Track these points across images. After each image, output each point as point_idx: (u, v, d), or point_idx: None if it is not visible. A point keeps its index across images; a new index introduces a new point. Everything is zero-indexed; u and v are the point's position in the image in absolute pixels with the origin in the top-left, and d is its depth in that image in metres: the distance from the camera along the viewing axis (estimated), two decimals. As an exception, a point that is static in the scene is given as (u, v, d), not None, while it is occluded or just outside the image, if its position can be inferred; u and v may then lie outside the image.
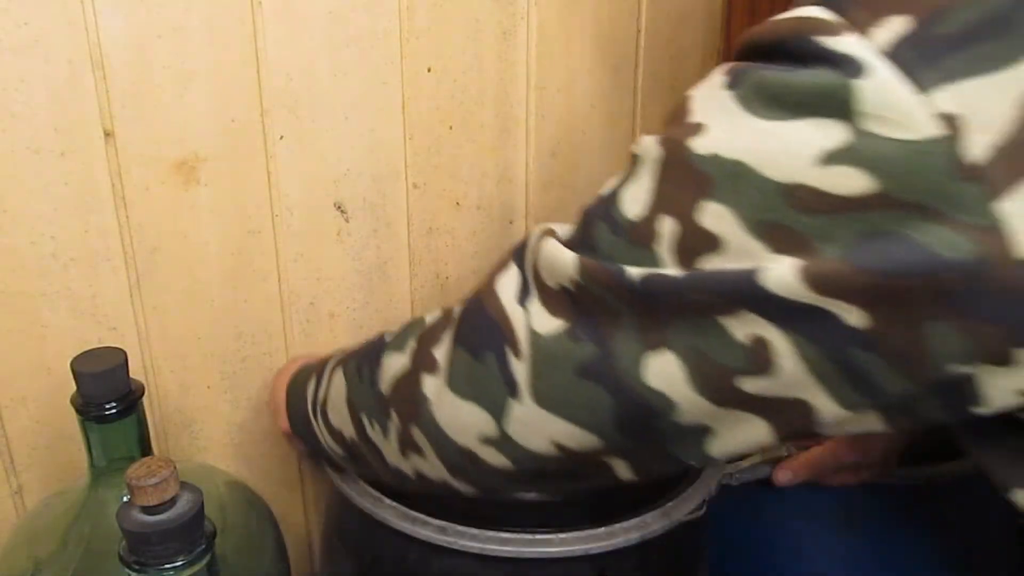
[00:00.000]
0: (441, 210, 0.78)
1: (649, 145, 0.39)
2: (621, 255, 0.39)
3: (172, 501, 0.45)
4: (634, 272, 0.38)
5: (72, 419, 0.57)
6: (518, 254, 0.46)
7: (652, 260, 0.37)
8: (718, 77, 0.37)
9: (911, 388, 0.35)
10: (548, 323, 0.42)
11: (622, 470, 0.45)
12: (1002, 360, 0.33)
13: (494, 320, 0.44)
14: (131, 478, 0.45)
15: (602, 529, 0.57)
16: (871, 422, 0.38)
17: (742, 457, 0.43)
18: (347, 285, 0.76)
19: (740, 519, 0.72)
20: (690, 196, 0.36)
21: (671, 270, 0.37)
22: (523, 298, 0.43)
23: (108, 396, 0.55)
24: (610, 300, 0.39)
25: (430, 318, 0.52)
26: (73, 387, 0.56)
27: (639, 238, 0.38)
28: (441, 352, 0.47)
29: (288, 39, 0.66)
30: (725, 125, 0.35)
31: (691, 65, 0.84)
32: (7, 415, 0.67)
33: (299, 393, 0.64)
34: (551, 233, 0.43)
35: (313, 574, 0.85)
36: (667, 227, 0.37)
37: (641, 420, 0.40)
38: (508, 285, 0.45)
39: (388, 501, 0.61)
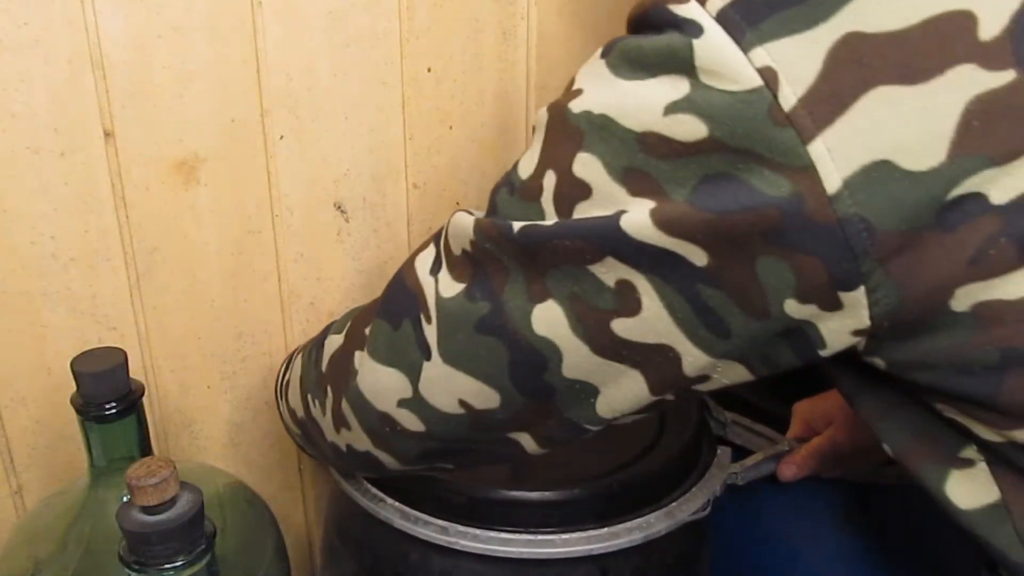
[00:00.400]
0: (441, 210, 0.78)
1: (541, 114, 0.43)
2: (514, 212, 0.43)
3: (172, 501, 0.45)
4: (516, 225, 0.42)
5: (72, 419, 0.57)
6: (436, 235, 0.50)
7: (539, 213, 0.42)
8: (598, 50, 0.41)
9: (759, 328, 0.39)
10: (451, 288, 0.46)
11: (528, 443, 0.49)
12: (833, 306, 0.37)
13: (410, 292, 0.48)
14: (131, 478, 0.45)
15: (604, 529, 0.57)
16: (737, 371, 0.42)
17: (635, 413, 0.46)
18: (347, 285, 0.76)
19: (740, 519, 0.72)
20: (567, 150, 0.40)
21: (548, 220, 0.41)
22: (435, 269, 0.48)
23: (108, 396, 0.55)
24: (499, 255, 0.43)
25: (371, 301, 0.55)
26: (73, 387, 0.56)
27: (528, 194, 0.43)
28: (368, 328, 0.51)
29: (288, 39, 0.66)
30: (596, 87, 0.40)
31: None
32: (7, 415, 0.67)
33: (275, 385, 0.67)
34: (463, 210, 0.48)
35: (313, 574, 0.85)
36: (549, 180, 0.41)
37: (533, 372, 0.44)
38: (424, 260, 0.49)
39: (390, 501, 0.60)
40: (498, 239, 0.43)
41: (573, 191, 0.40)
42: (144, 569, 0.45)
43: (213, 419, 0.75)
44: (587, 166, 0.39)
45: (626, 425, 0.51)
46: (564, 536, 0.57)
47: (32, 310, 0.64)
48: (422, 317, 0.47)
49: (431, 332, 0.47)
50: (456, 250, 0.46)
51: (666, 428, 0.65)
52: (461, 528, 0.57)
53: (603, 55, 0.40)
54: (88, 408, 0.56)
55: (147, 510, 0.45)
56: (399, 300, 0.49)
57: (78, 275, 0.65)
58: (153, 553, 0.45)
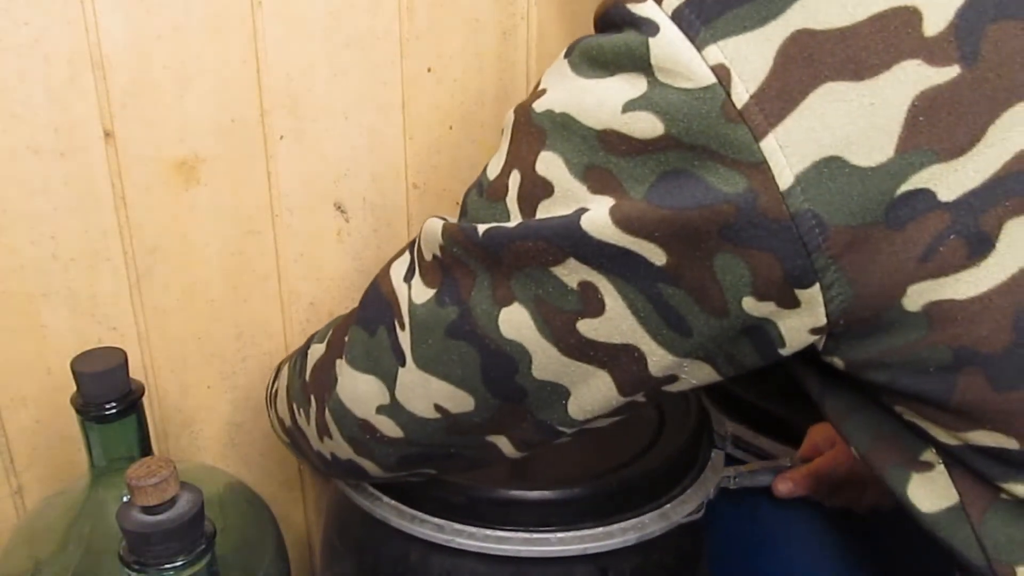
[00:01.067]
0: (441, 210, 0.78)
1: (508, 115, 0.43)
2: (481, 213, 0.44)
3: (172, 501, 0.45)
4: (481, 228, 0.42)
5: (72, 419, 0.57)
6: (412, 242, 0.50)
7: (504, 212, 0.42)
8: (563, 51, 0.42)
9: (720, 327, 0.39)
10: (423, 294, 0.46)
11: (505, 446, 0.49)
12: (790, 304, 0.37)
13: (385, 299, 0.49)
14: (131, 478, 0.45)
15: (600, 529, 0.57)
16: (704, 371, 0.42)
17: (608, 415, 0.47)
18: (347, 285, 0.76)
19: (738, 522, 0.72)
20: (531, 149, 0.41)
21: (511, 221, 0.41)
22: (408, 276, 0.48)
23: (108, 396, 0.55)
24: (466, 259, 0.44)
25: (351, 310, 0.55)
26: (73, 387, 0.56)
27: (494, 194, 0.43)
28: (347, 336, 0.52)
29: (288, 39, 0.66)
30: (558, 86, 0.40)
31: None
32: (7, 415, 0.67)
33: (266, 387, 0.67)
34: (435, 216, 0.48)
35: (313, 574, 0.85)
36: (514, 180, 0.42)
37: (504, 375, 0.45)
38: (399, 268, 0.49)
39: (387, 500, 0.61)
40: (464, 243, 0.43)
41: (536, 190, 0.40)
42: (144, 569, 0.45)
43: (213, 419, 0.75)
44: (549, 164, 0.40)
45: (625, 426, 0.51)
46: (560, 535, 0.57)
47: (32, 310, 0.64)
48: (396, 324, 0.48)
49: (405, 338, 0.47)
50: (427, 256, 0.47)
51: (665, 429, 0.65)
52: (457, 526, 0.57)
53: (566, 55, 0.41)
54: (88, 408, 0.56)
55: (147, 510, 0.45)
56: (375, 308, 0.50)
57: (78, 275, 0.65)
58: (153, 553, 0.45)
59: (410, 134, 0.74)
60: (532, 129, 0.41)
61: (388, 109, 0.72)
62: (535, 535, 0.57)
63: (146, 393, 0.58)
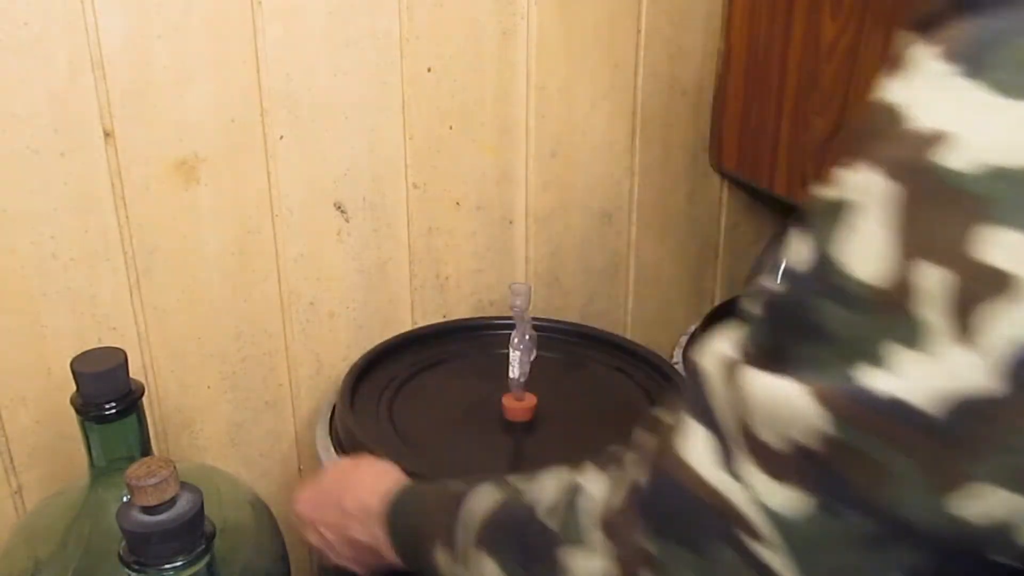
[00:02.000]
0: (441, 210, 0.78)
1: (862, 181, 0.30)
2: (871, 338, 0.30)
3: (172, 501, 0.45)
4: (921, 400, 0.29)
5: (72, 419, 0.57)
6: (696, 405, 0.36)
7: (911, 329, 0.29)
8: (933, 64, 0.28)
9: None
10: (782, 496, 0.33)
11: None
12: None
13: (701, 500, 0.35)
14: (131, 478, 0.45)
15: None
16: None
17: None
18: (347, 285, 0.76)
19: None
20: (955, 227, 0.28)
21: (936, 343, 0.28)
22: (729, 463, 0.35)
23: (108, 396, 0.55)
24: (875, 452, 0.30)
25: (595, 488, 0.42)
26: (73, 387, 0.56)
27: (884, 302, 0.29)
28: (651, 549, 0.38)
29: (288, 39, 0.66)
30: (983, 125, 0.28)
31: (691, 65, 0.84)
32: (7, 415, 0.67)
33: (420, 551, 0.50)
34: (742, 362, 0.34)
35: (313, 574, 0.85)
36: (927, 276, 0.28)
37: (971, 562, 0.32)
38: (698, 449, 0.36)
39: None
40: (889, 430, 0.30)
41: (978, 288, 0.27)
42: (144, 569, 0.45)
43: (213, 419, 0.75)
44: (1004, 248, 0.27)
45: (623, 427, 0.44)
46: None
47: (32, 310, 0.64)
48: (742, 536, 0.34)
49: (772, 556, 0.34)
50: (776, 443, 0.33)
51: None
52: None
53: (965, 72, 0.28)
54: (88, 408, 0.55)
55: (147, 510, 0.45)
56: (686, 513, 0.36)
57: (78, 275, 0.65)
58: (153, 553, 0.45)
59: (410, 134, 0.74)
60: (955, 197, 0.28)
61: (388, 109, 0.72)
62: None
63: (146, 393, 0.58)
